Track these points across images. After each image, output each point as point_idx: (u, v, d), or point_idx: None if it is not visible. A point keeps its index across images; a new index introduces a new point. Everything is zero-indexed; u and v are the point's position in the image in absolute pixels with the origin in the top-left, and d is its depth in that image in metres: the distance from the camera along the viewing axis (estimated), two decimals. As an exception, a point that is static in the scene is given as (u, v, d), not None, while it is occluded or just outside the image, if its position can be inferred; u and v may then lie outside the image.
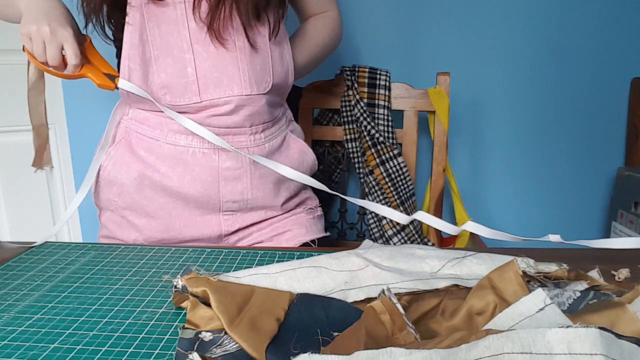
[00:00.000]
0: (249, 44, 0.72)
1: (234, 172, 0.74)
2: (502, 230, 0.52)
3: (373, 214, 1.17)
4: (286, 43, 0.79)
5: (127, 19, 0.69)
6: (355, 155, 1.15)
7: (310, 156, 0.85)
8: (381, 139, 1.11)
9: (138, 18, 0.69)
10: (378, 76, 1.13)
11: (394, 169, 1.12)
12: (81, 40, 0.71)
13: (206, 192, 0.74)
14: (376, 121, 1.13)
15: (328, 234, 0.87)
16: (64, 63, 0.69)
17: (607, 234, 1.37)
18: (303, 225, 0.82)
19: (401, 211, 1.13)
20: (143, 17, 0.69)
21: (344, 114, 1.14)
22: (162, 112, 0.71)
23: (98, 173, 0.76)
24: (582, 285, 0.47)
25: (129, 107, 0.77)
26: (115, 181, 0.75)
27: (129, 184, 0.74)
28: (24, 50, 0.69)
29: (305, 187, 0.86)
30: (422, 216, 0.55)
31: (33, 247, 0.64)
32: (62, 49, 0.67)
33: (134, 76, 0.70)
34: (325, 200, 1.29)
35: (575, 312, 0.42)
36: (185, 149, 0.73)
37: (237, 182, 0.75)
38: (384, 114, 1.13)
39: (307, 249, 0.68)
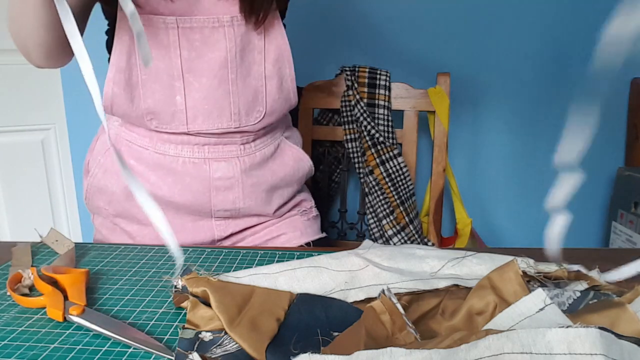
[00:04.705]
0: (242, 74, 0.69)
1: (226, 182, 0.73)
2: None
3: (373, 214, 1.17)
4: (289, 67, 0.74)
5: (115, 39, 0.66)
6: (355, 155, 1.15)
7: (306, 163, 0.83)
8: (381, 139, 1.11)
9: (127, 41, 0.65)
10: (378, 76, 1.13)
11: (394, 169, 1.12)
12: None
13: (197, 201, 0.73)
14: (376, 121, 1.13)
15: (324, 234, 0.85)
16: None
17: (607, 234, 1.37)
18: (298, 229, 0.81)
19: (401, 211, 1.13)
20: (132, 39, 0.65)
21: (344, 114, 1.14)
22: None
23: (89, 179, 0.75)
24: (582, 285, 0.47)
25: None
26: (106, 189, 0.74)
27: (119, 192, 0.73)
28: None
29: (300, 190, 0.85)
30: None
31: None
32: None
33: (118, 100, 0.67)
34: (325, 200, 1.29)
35: (575, 312, 0.42)
36: (175, 158, 0.71)
37: (229, 191, 0.73)
38: (384, 114, 1.13)
39: (307, 249, 0.68)
